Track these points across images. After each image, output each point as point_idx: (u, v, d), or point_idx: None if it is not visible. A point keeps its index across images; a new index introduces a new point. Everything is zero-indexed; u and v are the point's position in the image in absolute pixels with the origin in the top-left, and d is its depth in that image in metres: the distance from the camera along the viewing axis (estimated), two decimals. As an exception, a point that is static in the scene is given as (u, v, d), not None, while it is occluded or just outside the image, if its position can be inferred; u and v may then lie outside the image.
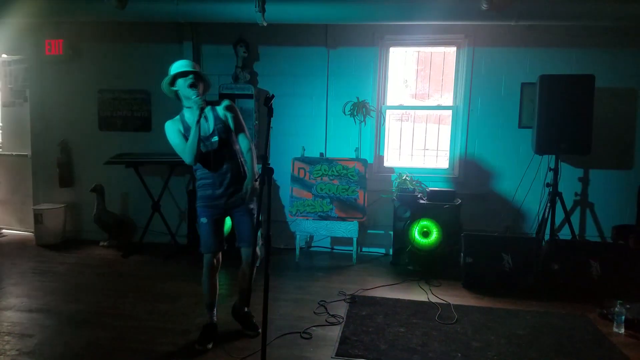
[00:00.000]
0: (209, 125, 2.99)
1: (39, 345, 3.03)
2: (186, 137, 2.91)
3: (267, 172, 2.20)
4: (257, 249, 3.12)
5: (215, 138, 2.97)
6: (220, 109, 3.05)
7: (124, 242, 5.46)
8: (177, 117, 3.04)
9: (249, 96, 5.19)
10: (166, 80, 2.99)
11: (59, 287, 4.09)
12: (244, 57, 5.24)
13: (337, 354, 2.98)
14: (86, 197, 5.41)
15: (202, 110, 2.83)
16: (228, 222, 3.29)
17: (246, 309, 3.27)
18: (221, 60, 5.31)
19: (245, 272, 3.16)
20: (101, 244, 5.42)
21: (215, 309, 3.18)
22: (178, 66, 2.96)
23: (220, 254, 3.16)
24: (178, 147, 2.95)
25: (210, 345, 3.02)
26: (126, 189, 5.57)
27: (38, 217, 5.36)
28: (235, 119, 3.07)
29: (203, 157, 2.97)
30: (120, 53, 5.45)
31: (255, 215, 3.06)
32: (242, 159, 3.12)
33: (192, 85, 2.88)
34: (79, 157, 5.63)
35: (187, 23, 5.16)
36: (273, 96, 2.21)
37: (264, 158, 2.21)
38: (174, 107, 3.00)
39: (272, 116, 2.24)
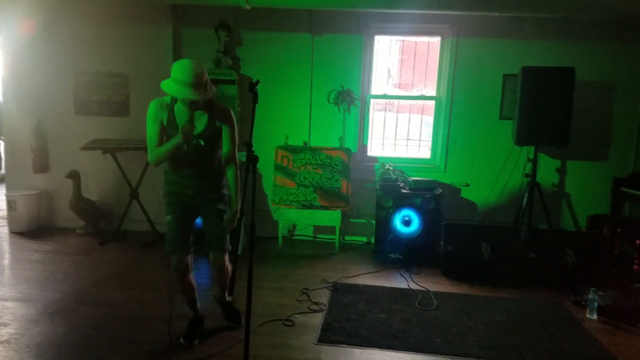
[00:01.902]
0: (199, 125, 2.69)
1: (15, 334, 2.96)
2: (166, 131, 2.69)
3: (252, 160, 2.16)
4: (226, 257, 2.93)
5: (201, 142, 2.70)
6: (218, 113, 2.76)
7: (101, 230, 5.36)
8: (168, 99, 2.71)
9: (231, 82, 5.11)
10: (165, 87, 2.59)
11: (34, 275, 3.99)
12: (226, 42, 5.14)
13: (319, 340, 2.99)
14: (61, 183, 5.27)
15: (187, 136, 2.56)
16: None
17: (228, 298, 3.21)
18: (202, 44, 5.20)
19: (218, 276, 3.03)
20: (77, 231, 5.30)
21: (197, 304, 3.06)
22: (178, 82, 2.52)
23: (188, 256, 2.88)
24: (150, 141, 2.69)
25: (196, 342, 2.92)
26: (103, 175, 5.44)
27: (11, 204, 5.22)
28: (231, 135, 2.81)
29: (179, 156, 2.71)
30: (97, 34, 5.27)
31: (224, 217, 2.87)
32: (223, 174, 2.89)
33: (189, 107, 2.59)
34: (54, 142, 5.47)
35: (167, 4, 5.03)
36: (258, 82, 2.17)
37: (248, 145, 2.17)
38: (154, 92, 2.84)
39: (257, 102, 2.20)
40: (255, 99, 2.19)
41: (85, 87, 5.37)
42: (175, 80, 2.53)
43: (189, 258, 2.92)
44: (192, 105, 2.58)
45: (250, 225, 2.22)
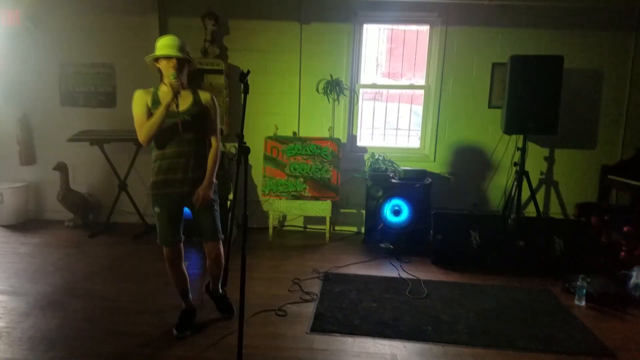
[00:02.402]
0: (186, 102, 2.80)
1: (6, 328, 2.93)
2: (151, 113, 2.74)
3: (244, 151, 2.15)
4: (221, 247, 2.96)
5: (188, 118, 2.77)
6: (202, 95, 2.87)
7: (90, 222, 5.32)
8: (152, 89, 2.84)
9: (219, 71, 5.07)
10: (150, 56, 2.78)
11: (24, 269, 3.96)
12: (213, 31, 5.08)
13: (311, 330, 3.01)
14: (49, 175, 5.21)
15: (176, 94, 2.66)
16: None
17: (221, 290, 3.21)
18: (189, 33, 5.12)
19: (212, 266, 3.04)
20: (66, 224, 5.26)
21: (189, 295, 3.08)
22: (163, 45, 2.74)
23: (180, 245, 2.95)
24: (137, 121, 2.75)
25: (188, 332, 2.92)
26: (91, 167, 5.39)
27: (-2, 197, 5.16)
28: (214, 113, 2.89)
29: (166, 133, 2.76)
30: (82, 25, 5.18)
31: (215, 209, 2.91)
32: (206, 147, 2.91)
33: (174, 69, 2.72)
34: (41, 134, 5.40)
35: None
36: (249, 72, 2.15)
37: (239, 137, 2.15)
38: (141, 82, 2.87)
39: (247, 93, 2.18)
40: (246, 90, 2.17)
41: (71, 78, 5.29)
42: (158, 47, 2.77)
43: (181, 247, 2.96)
44: (177, 69, 2.72)
45: (243, 216, 2.22)
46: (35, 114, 5.36)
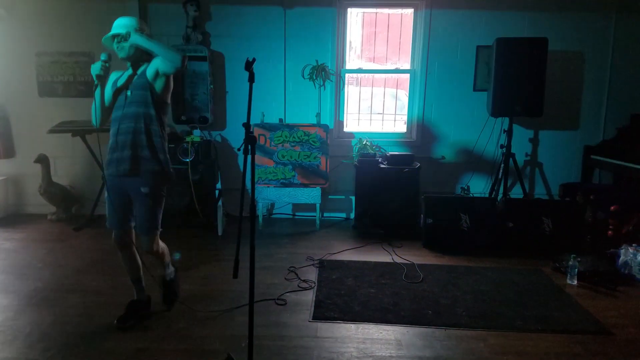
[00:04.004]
0: (133, 77, 2.76)
1: (1, 327, 2.85)
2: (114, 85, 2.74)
3: (250, 140, 2.12)
4: (160, 246, 2.87)
5: (137, 92, 2.69)
6: (151, 67, 2.71)
7: (73, 215, 5.19)
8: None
9: (203, 58, 4.97)
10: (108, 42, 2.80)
11: (11, 265, 3.84)
12: (194, 17, 4.96)
13: (314, 318, 3.02)
14: (29, 168, 5.04)
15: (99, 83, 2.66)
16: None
17: (167, 277, 3.07)
18: (170, 20, 5.02)
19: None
20: (49, 217, 5.11)
21: (142, 283, 2.98)
22: (113, 27, 2.76)
23: (128, 231, 2.82)
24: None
25: (131, 323, 2.84)
26: (73, 158, 5.25)
27: (-25, 192, 4.97)
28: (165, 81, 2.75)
29: (109, 110, 2.77)
30: (58, 12, 4.99)
31: (151, 202, 2.72)
32: (155, 128, 2.72)
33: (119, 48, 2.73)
34: (19, 126, 5.22)
35: (133, -22, 4.81)
36: (254, 60, 2.10)
37: (247, 126, 2.11)
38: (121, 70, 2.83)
39: (253, 81, 2.14)
40: (251, 78, 2.13)
41: (48, 68, 5.10)
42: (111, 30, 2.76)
43: (131, 234, 2.86)
44: (121, 45, 2.71)
45: (251, 207, 2.19)
46: (12, 105, 5.17)
